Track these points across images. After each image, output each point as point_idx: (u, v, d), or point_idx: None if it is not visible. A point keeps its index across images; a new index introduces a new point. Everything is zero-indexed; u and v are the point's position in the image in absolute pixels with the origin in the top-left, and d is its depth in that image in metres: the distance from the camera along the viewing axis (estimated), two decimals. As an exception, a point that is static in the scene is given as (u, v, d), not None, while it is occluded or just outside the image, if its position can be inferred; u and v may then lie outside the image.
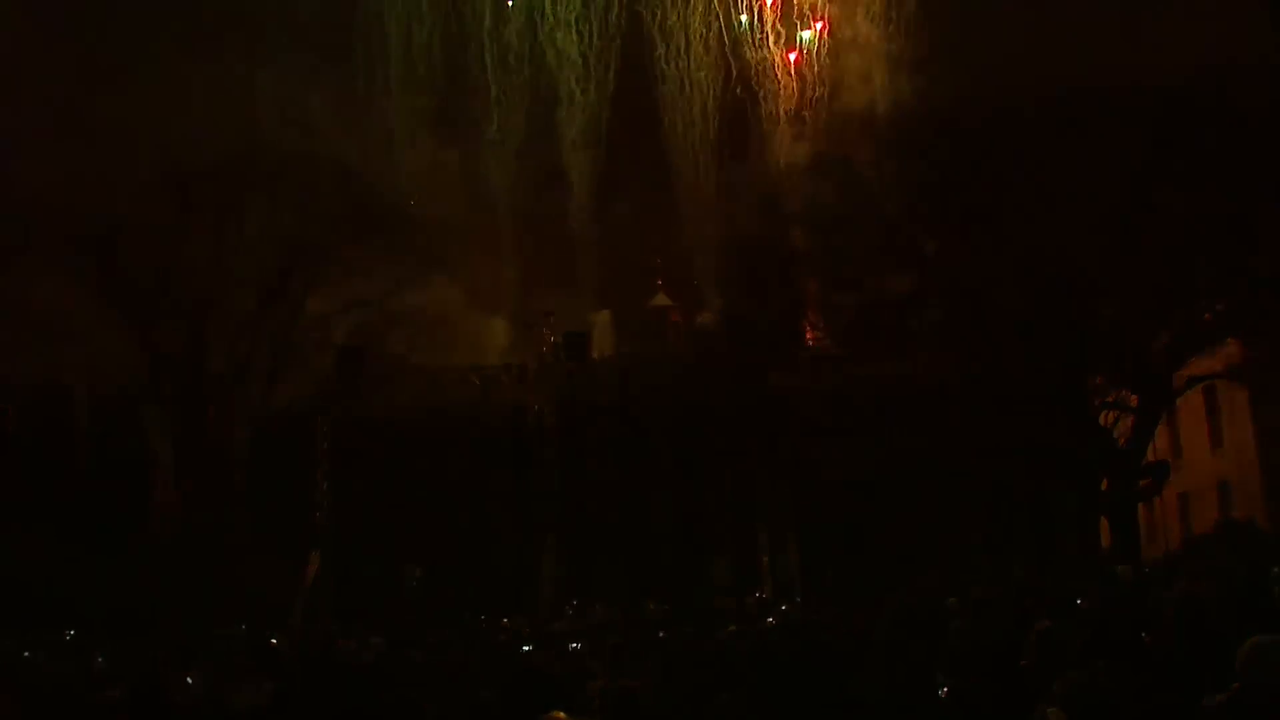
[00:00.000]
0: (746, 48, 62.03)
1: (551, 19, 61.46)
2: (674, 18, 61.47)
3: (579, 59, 62.34)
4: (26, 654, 18.99)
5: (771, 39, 61.93)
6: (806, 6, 62.10)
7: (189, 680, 9.66)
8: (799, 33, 62.35)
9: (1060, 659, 7.95)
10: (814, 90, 61.51)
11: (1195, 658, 7.20)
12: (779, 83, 61.93)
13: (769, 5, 62.00)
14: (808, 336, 40.09)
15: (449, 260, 57.31)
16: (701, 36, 62.00)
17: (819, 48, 62.05)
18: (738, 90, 62.28)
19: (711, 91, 62.33)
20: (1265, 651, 5.28)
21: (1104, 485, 32.11)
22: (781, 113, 61.77)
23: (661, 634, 14.22)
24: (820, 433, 44.95)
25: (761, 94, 62.37)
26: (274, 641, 14.91)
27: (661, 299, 65.70)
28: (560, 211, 64.84)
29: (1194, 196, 28.96)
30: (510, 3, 62.20)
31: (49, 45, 47.74)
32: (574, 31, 61.79)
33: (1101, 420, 32.31)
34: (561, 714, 6.82)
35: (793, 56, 62.23)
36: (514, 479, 53.19)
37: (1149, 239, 30.24)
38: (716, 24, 62.12)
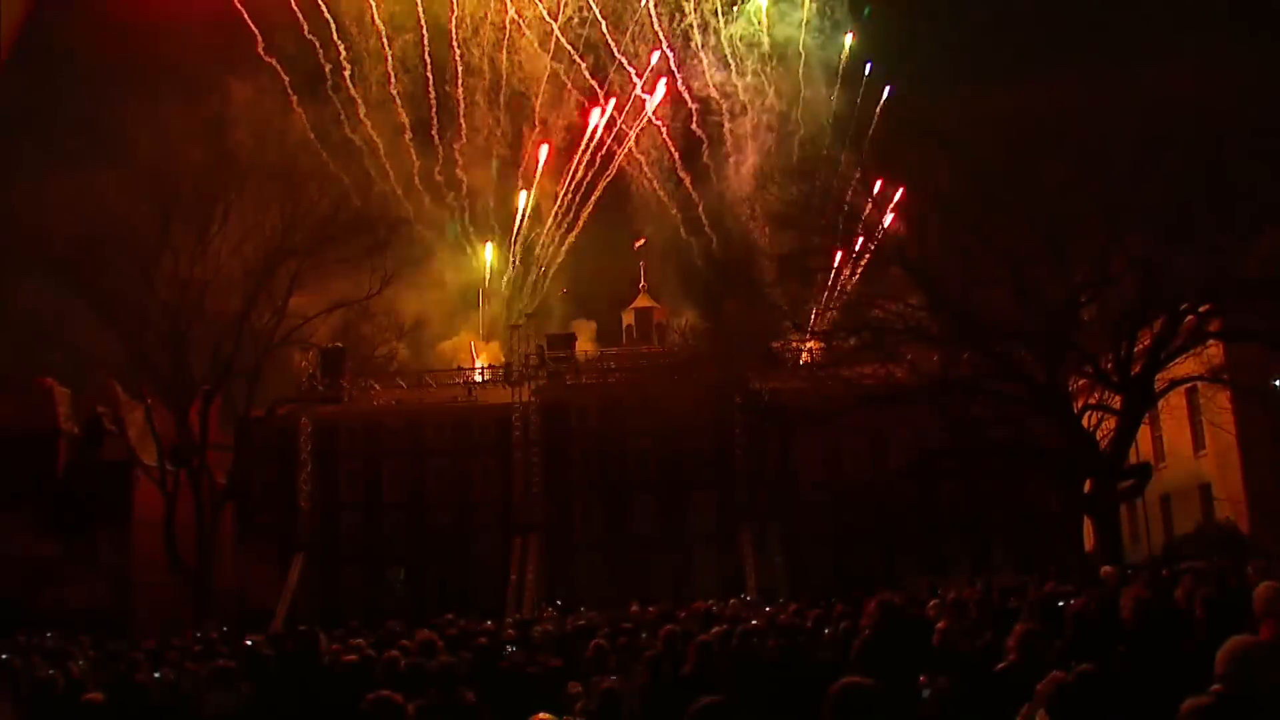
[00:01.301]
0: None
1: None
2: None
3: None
4: (4, 656, 18.84)
5: None
6: None
7: (168, 682, 9.60)
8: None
9: (1042, 661, 7.95)
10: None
11: (1176, 659, 7.21)
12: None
13: None
14: (791, 337, 40.06)
15: (432, 262, 57.40)
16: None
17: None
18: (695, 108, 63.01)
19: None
20: (1244, 652, 5.27)
21: (1087, 487, 32.15)
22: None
23: (644, 635, 14.16)
24: (804, 435, 44.99)
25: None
26: (250, 643, 14.80)
27: (644, 300, 65.78)
28: (545, 216, 65.11)
29: (1176, 200, 29.07)
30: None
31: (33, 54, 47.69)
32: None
33: (1084, 422, 32.37)
34: (546, 715, 6.79)
35: None
36: (497, 480, 53.11)
37: (1131, 241, 30.32)
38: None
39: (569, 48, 61.88)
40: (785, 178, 40.86)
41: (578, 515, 52.41)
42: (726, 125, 63.24)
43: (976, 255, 32.15)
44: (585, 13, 61.61)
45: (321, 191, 46.67)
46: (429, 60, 60.88)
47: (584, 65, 62.66)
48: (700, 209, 60.09)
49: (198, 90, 53.84)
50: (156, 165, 43.41)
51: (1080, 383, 33.98)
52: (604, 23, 61.42)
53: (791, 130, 60.20)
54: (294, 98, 56.52)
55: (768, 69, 63.01)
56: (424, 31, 60.50)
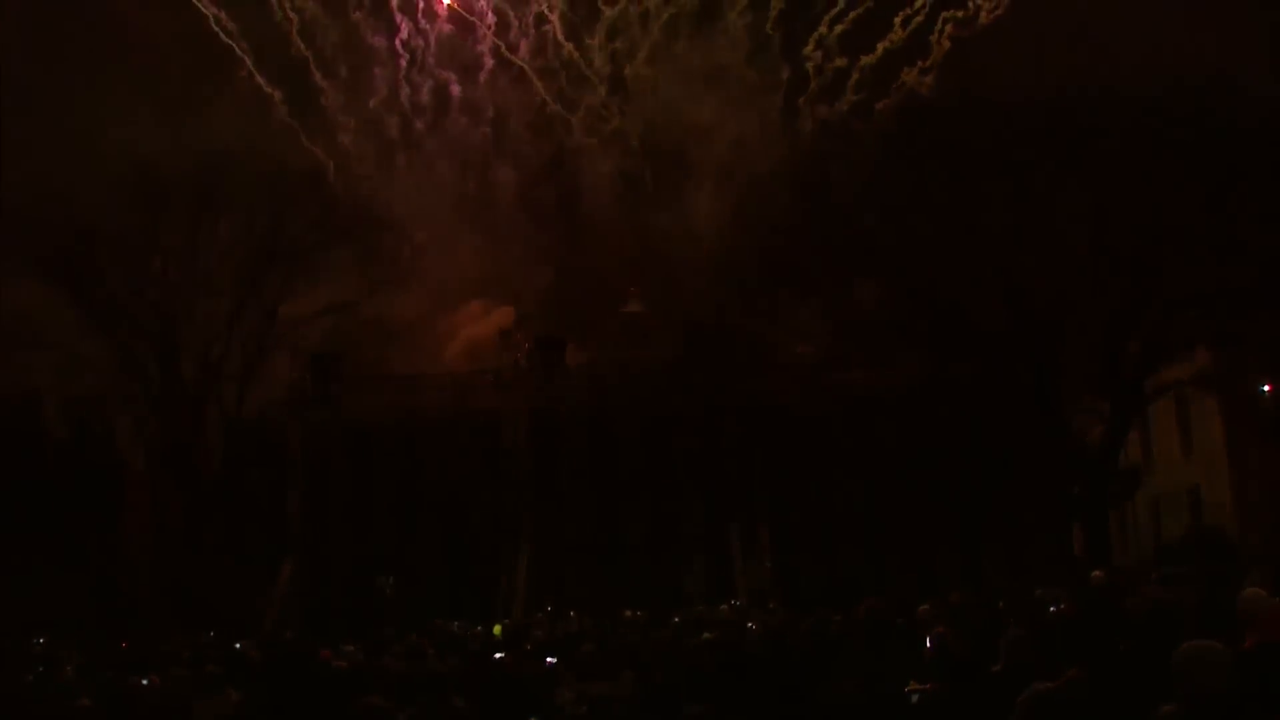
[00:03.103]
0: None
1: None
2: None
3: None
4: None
5: None
6: None
7: (155, 689, 9.57)
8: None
9: (1032, 665, 7.96)
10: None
11: (1165, 664, 7.23)
12: None
13: None
14: (783, 343, 40.16)
15: (422, 266, 57.34)
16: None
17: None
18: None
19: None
20: (1198, 657, 5.30)
21: (1076, 491, 32.24)
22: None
23: (635, 641, 14.17)
24: (794, 439, 45.00)
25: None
26: (238, 647, 14.74)
27: (635, 305, 65.73)
28: (538, 220, 65.17)
29: (1167, 208, 29.15)
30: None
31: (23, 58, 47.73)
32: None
33: (1074, 427, 32.45)
34: None
35: None
36: (487, 485, 53.00)
37: (1122, 249, 30.42)
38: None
39: (535, 79, 62.35)
40: (775, 182, 40.97)
41: (568, 519, 52.32)
42: (690, 148, 63.38)
43: (967, 260, 32.22)
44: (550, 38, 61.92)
45: (311, 195, 46.61)
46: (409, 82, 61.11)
47: (551, 96, 63.15)
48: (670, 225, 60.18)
49: (188, 93, 53.78)
50: (145, 168, 43.29)
51: (1070, 387, 34.07)
52: (569, 45, 61.74)
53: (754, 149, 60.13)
54: (284, 106, 56.53)
55: (722, 88, 63.03)
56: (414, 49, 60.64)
